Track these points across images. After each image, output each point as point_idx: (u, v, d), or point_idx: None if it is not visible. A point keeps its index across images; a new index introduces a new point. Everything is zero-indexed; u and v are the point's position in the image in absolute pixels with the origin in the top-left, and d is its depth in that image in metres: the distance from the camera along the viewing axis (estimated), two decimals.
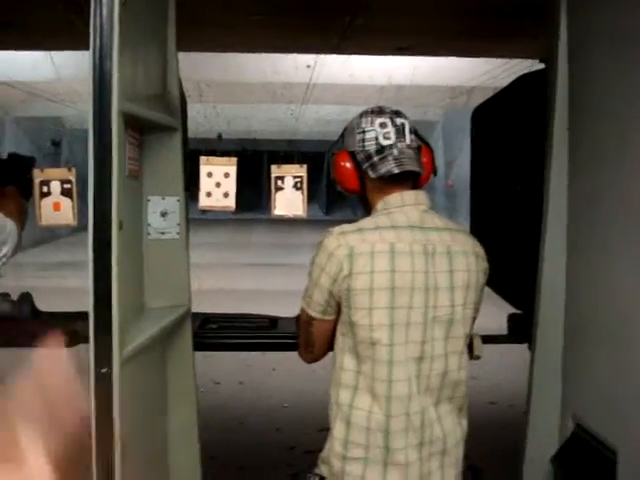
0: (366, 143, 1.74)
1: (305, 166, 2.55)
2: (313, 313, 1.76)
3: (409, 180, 1.76)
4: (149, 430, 1.91)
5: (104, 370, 1.49)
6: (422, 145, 1.82)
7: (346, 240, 1.67)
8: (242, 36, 4.46)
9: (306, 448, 4.37)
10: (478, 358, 2.34)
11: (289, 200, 2.47)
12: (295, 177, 2.49)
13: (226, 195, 2.42)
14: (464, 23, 3.57)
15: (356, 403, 1.68)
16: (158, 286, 2.04)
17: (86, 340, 1.56)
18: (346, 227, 1.71)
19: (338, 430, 1.69)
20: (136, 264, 1.94)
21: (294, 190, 2.49)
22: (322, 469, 1.74)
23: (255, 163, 20.62)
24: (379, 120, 1.75)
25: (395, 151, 1.72)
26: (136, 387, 1.68)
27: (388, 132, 1.74)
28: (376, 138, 1.74)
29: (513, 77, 2.78)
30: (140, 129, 1.90)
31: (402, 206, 1.72)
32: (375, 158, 1.72)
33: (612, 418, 1.95)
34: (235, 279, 10.60)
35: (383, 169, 1.71)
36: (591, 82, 2.10)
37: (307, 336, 1.84)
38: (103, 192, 1.51)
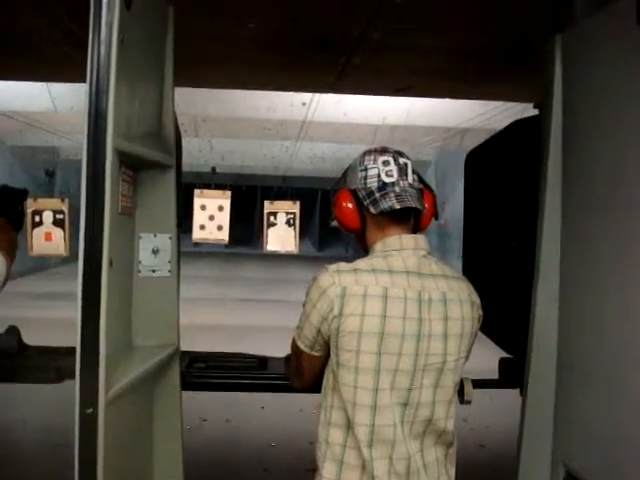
0: (368, 180, 1.73)
1: (298, 203, 2.55)
2: (302, 346, 1.75)
3: (410, 220, 1.75)
4: (134, 469, 1.87)
5: (89, 411, 1.46)
6: (424, 188, 1.81)
7: (340, 279, 1.65)
8: (238, 74, 4.49)
9: None
10: (469, 403, 2.33)
11: (281, 236, 2.47)
12: (288, 213, 2.48)
13: (220, 228, 2.41)
14: (461, 65, 3.61)
15: (349, 442, 1.65)
16: (147, 324, 2.02)
17: (72, 376, 1.54)
18: (342, 266, 1.69)
19: (328, 470, 1.66)
20: (125, 302, 1.91)
21: (287, 226, 2.48)
22: None
23: (249, 198, 20.69)
24: (382, 158, 1.74)
25: (397, 188, 1.71)
26: (121, 427, 1.65)
27: (391, 170, 1.73)
28: (378, 175, 1.72)
29: (507, 120, 2.80)
30: (134, 166, 1.89)
31: (400, 250, 1.70)
32: (377, 194, 1.70)
33: (604, 467, 1.92)
34: (225, 314, 10.54)
35: (385, 204, 1.68)
36: (584, 128, 2.11)
37: (297, 365, 1.83)
38: (94, 229, 1.50)
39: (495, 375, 2.83)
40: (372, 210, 1.70)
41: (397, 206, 1.68)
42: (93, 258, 1.49)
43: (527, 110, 2.64)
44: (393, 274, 1.66)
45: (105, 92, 1.49)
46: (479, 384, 2.47)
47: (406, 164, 1.75)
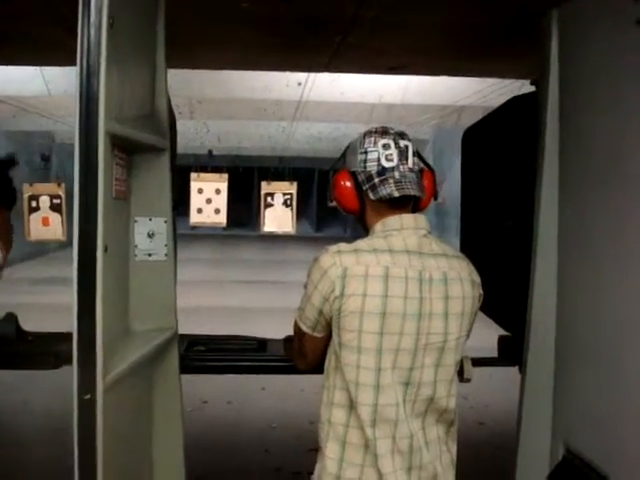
0: (368, 164, 1.72)
1: (295, 183, 2.54)
2: (304, 327, 1.75)
3: (409, 203, 1.74)
4: (134, 454, 1.87)
5: (87, 397, 1.46)
6: (424, 168, 1.80)
7: (341, 260, 1.64)
8: (233, 54, 4.45)
9: (293, 469, 4.33)
10: (468, 381, 2.33)
11: (279, 217, 2.46)
12: (285, 194, 2.48)
13: (217, 211, 2.40)
14: (457, 42, 3.57)
15: (352, 422, 1.66)
16: (144, 308, 2.01)
17: (70, 362, 1.53)
18: (343, 246, 1.68)
19: (331, 450, 1.66)
20: (122, 286, 1.91)
21: (284, 207, 2.47)
22: None
23: (246, 179, 20.63)
24: (382, 141, 1.72)
25: (397, 174, 1.70)
26: (120, 412, 1.65)
27: (391, 154, 1.71)
28: (378, 159, 1.71)
29: (504, 97, 2.78)
30: (127, 149, 1.88)
31: (401, 229, 1.69)
32: (376, 180, 1.70)
33: (603, 443, 1.93)
34: (224, 296, 10.55)
35: (383, 191, 1.68)
36: (581, 104, 2.10)
37: (300, 347, 1.83)
38: (88, 214, 1.49)
39: (494, 353, 2.84)
40: (371, 196, 1.69)
41: (396, 194, 1.67)
42: (88, 244, 1.48)
43: (524, 87, 2.62)
44: (394, 254, 1.65)
45: (96, 75, 1.48)
46: (478, 362, 2.47)
47: (407, 146, 1.74)
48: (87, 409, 1.46)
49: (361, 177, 1.72)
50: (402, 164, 1.71)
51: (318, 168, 20.94)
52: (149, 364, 1.97)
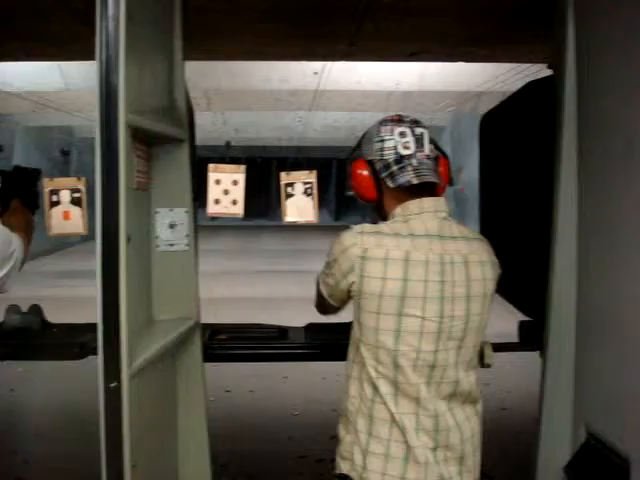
0: (385, 152, 1.74)
1: (315, 172, 2.55)
2: (323, 292, 1.81)
3: (426, 190, 1.75)
4: (159, 441, 1.90)
5: (113, 385, 1.48)
6: (439, 155, 1.81)
7: (362, 240, 1.66)
8: (249, 45, 4.45)
9: (317, 457, 4.36)
10: (489, 366, 2.33)
11: (300, 206, 2.47)
12: (305, 183, 2.48)
13: (234, 202, 2.41)
14: (475, 27, 3.55)
15: (378, 398, 1.68)
16: (166, 298, 2.04)
17: (95, 352, 1.56)
18: (367, 227, 1.70)
19: (361, 424, 1.69)
20: (144, 276, 1.93)
21: (304, 196, 2.48)
22: (342, 466, 1.74)
23: (264, 170, 20.66)
24: (399, 129, 1.74)
25: (414, 161, 1.72)
26: (145, 400, 1.68)
27: (407, 142, 1.73)
28: (395, 147, 1.73)
29: (521, 82, 2.76)
30: (148, 141, 1.90)
31: (421, 213, 1.71)
32: (394, 168, 1.72)
33: (625, 427, 1.93)
34: (245, 287, 10.60)
35: (402, 179, 1.69)
36: (600, 87, 2.08)
37: (321, 301, 1.89)
38: (111, 206, 1.51)
39: (515, 338, 2.84)
40: (390, 184, 1.71)
41: (415, 181, 1.69)
42: (111, 235, 1.50)
43: (541, 71, 2.60)
44: (415, 238, 1.67)
45: (115, 69, 1.49)
46: (499, 347, 2.47)
47: (422, 134, 1.76)
48: (113, 397, 1.49)
49: (378, 165, 1.74)
50: (419, 151, 1.73)
51: (335, 157, 20.93)
52: (172, 353, 2.00)
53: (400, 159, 1.72)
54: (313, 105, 9.62)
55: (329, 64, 6.98)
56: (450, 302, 1.67)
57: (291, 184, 2.43)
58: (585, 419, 2.16)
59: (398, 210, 1.73)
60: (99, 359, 1.50)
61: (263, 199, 20.54)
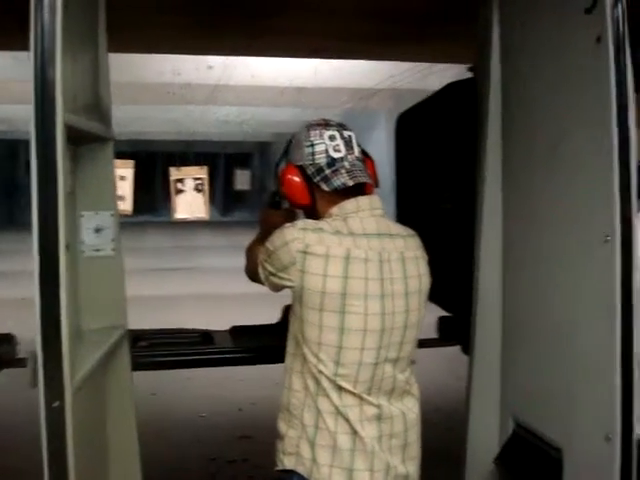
0: (316, 156, 1.75)
1: (206, 167, 2.50)
2: (261, 274, 1.79)
3: (358, 191, 1.77)
4: (96, 459, 1.80)
5: (56, 404, 1.38)
6: (365, 157, 1.84)
7: (304, 236, 1.66)
8: (149, 37, 4.30)
9: (228, 458, 4.30)
10: (413, 363, 2.38)
11: (190, 202, 2.41)
12: (196, 179, 2.43)
13: (122, 199, 2.32)
14: (388, 27, 3.59)
15: (320, 391, 1.68)
16: (94, 306, 1.94)
17: (8, 365, 1.46)
18: (309, 224, 1.71)
19: (308, 417, 1.69)
20: (73, 285, 1.82)
21: (195, 192, 2.43)
22: (286, 462, 1.72)
23: (150, 164, 20.11)
24: (328, 133, 1.76)
25: (346, 164, 1.74)
26: (84, 415, 1.58)
27: (338, 145, 1.75)
28: (326, 151, 1.74)
29: (417, 82, 2.83)
30: (74, 140, 1.78)
31: (358, 211, 1.72)
32: (327, 171, 1.73)
33: (554, 417, 2.01)
34: (132, 286, 10.27)
35: (337, 182, 1.71)
36: (524, 91, 2.15)
37: (252, 269, 1.88)
38: (48, 212, 1.39)
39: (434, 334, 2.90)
40: (324, 187, 1.72)
41: (350, 183, 1.71)
42: (50, 242, 1.39)
43: (439, 72, 2.66)
44: (354, 236, 1.68)
45: (52, 62, 1.38)
46: (420, 343, 2.52)
47: (350, 136, 1.79)
48: (56, 416, 1.38)
49: (310, 170, 1.75)
50: (350, 153, 1.76)
51: (224, 152, 20.70)
52: (103, 363, 1.90)
53: (332, 162, 1.74)
54: (205, 99, 9.45)
55: (224, 58, 6.87)
56: (390, 299, 1.70)
57: (181, 180, 2.37)
58: (513, 411, 2.23)
59: (335, 210, 1.74)
60: (40, 378, 1.39)
61: (149, 195, 19.99)
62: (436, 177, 2.76)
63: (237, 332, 2.54)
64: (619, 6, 1.70)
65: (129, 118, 12.56)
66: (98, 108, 1.90)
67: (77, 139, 1.79)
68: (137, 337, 2.45)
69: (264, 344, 2.36)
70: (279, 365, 1.84)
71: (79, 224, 1.92)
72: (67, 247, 1.44)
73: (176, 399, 5.28)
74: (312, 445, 1.68)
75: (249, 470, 4.13)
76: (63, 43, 1.41)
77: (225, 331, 2.53)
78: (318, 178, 1.73)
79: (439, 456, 3.57)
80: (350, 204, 1.73)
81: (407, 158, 3.01)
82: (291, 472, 1.72)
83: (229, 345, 2.40)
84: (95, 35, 1.88)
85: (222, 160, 21.71)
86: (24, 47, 1.41)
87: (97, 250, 1.96)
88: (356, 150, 1.77)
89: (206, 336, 2.52)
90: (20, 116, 11.29)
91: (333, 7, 3.45)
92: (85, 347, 1.74)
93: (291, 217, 1.94)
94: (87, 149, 1.89)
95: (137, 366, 2.26)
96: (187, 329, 2.62)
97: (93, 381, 1.72)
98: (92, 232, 1.94)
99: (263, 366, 2.59)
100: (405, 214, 3.07)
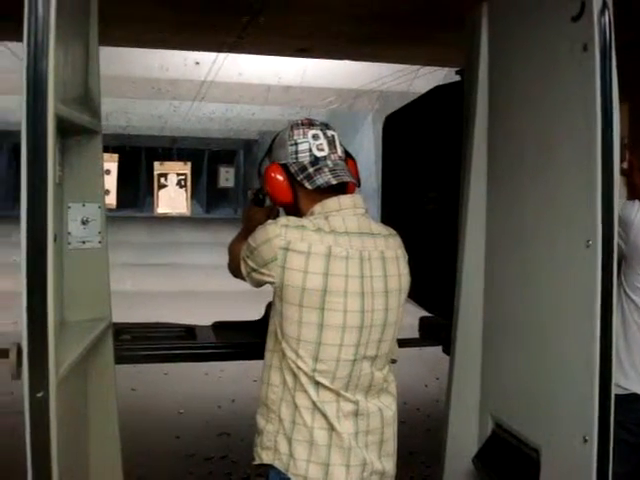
0: (300, 155, 1.77)
1: (189, 163, 2.51)
2: (243, 270, 1.79)
3: (340, 190, 1.80)
4: (76, 453, 1.80)
5: (40, 394, 1.38)
6: (347, 157, 1.87)
7: (286, 233, 1.67)
8: (136, 32, 4.30)
9: (206, 455, 4.31)
10: (394, 362, 2.40)
11: (172, 198, 2.42)
12: (179, 175, 2.44)
13: (106, 192, 2.32)
14: (368, 28, 3.62)
15: (298, 387, 1.70)
16: (79, 298, 1.94)
17: None
18: (292, 221, 1.72)
19: (285, 412, 1.71)
20: (58, 276, 1.81)
21: (178, 188, 2.44)
22: (263, 457, 1.74)
23: (133, 159, 20.00)
24: (311, 132, 1.79)
25: (329, 162, 1.77)
26: (67, 408, 1.58)
27: (321, 144, 1.78)
28: (310, 150, 1.77)
29: (402, 84, 2.85)
30: (63, 132, 1.78)
31: (340, 210, 1.75)
32: (310, 170, 1.75)
33: (533, 417, 2.03)
34: (117, 280, 10.22)
35: (320, 180, 1.73)
36: (511, 96, 2.18)
37: (235, 266, 1.88)
38: (37, 203, 1.39)
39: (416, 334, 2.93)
40: (308, 186, 1.74)
41: (333, 181, 1.74)
42: (38, 233, 1.39)
43: (426, 75, 2.68)
44: (336, 234, 1.70)
45: (45, 54, 1.38)
46: (401, 343, 2.54)
47: (333, 136, 1.82)
48: (40, 407, 1.38)
49: (294, 168, 1.77)
50: (332, 153, 1.79)
51: (208, 148, 20.64)
52: (85, 356, 1.89)
53: (316, 161, 1.76)
54: (192, 95, 9.42)
55: (212, 55, 6.87)
56: (370, 297, 1.72)
57: (164, 175, 2.38)
58: (492, 411, 2.26)
59: (317, 208, 1.76)
60: (24, 368, 1.39)
61: (132, 189, 19.89)
62: (422, 178, 2.79)
63: (220, 327, 2.55)
64: (606, 14, 1.73)
65: (113, 111, 12.50)
66: (88, 100, 1.90)
67: (66, 131, 1.79)
68: (120, 330, 2.45)
69: (247, 340, 2.37)
70: (258, 362, 1.86)
71: (66, 215, 1.91)
72: (55, 239, 1.45)
73: (156, 395, 5.29)
74: (289, 440, 1.70)
75: (227, 467, 4.14)
76: (56, 35, 1.41)
77: (208, 326, 2.53)
78: (301, 176, 1.75)
79: (418, 455, 3.61)
80: (332, 202, 1.75)
81: (394, 159, 3.03)
82: (268, 466, 1.73)
83: (212, 340, 2.40)
84: (87, 28, 1.88)
85: (206, 157, 21.65)
86: (17, 38, 1.41)
87: (83, 242, 1.95)
88: (339, 150, 1.80)
89: (189, 331, 2.53)
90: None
91: (321, 6, 3.47)
92: (70, 338, 1.74)
93: (274, 214, 1.96)
94: (76, 141, 1.88)
95: (120, 359, 2.26)
96: (170, 323, 2.62)
97: (77, 372, 1.73)
98: (79, 224, 1.94)
99: (243, 363, 2.60)
100: (390, 214, 3.09)
